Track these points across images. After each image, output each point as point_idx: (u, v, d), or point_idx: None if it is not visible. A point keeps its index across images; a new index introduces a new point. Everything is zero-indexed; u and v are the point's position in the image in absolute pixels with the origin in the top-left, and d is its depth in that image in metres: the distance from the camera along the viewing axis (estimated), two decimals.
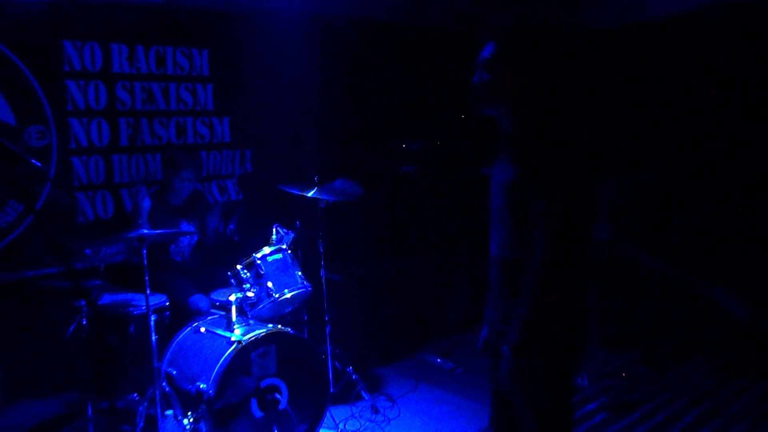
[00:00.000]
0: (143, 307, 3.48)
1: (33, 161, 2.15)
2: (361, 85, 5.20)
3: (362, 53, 5.22)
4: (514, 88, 2.11)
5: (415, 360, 4.84)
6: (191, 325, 3.61)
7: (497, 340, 2.16)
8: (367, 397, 3.96)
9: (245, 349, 3.27)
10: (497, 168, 2.20)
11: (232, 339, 3.31)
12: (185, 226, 4.08)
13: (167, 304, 3.74)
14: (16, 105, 3.92)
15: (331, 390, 3.87)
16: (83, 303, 3.36)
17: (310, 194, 3.88)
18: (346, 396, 3.98)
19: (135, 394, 3.62)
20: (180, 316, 3.81)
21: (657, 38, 5.27)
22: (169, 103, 4.49)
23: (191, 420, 3.19)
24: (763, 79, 4.70)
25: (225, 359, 3.22)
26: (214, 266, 4.18)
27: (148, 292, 3.23)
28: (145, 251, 3.23)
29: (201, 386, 3.20)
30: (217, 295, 3.97)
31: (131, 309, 3.63)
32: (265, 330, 3.38)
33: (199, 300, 3.89)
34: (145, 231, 3.30)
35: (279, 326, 3.52)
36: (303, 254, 4.17)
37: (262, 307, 3.61)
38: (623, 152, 5.19)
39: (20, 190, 3.99)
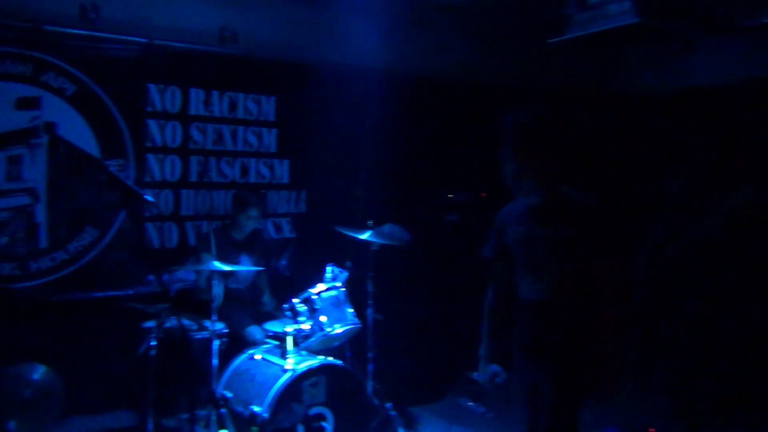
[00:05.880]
0: (205, 332, 3.76)
1: (145, 196, 2.45)
2: (413, 136, 5.49)
3: (415, 106, 5.50)
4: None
5: (449, 402, 5.00)
6: (247, 352, 3.87)
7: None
8: None
9: (298, 378, 3.51)
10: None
11: (287, 367, 3.55)
12: (245, 260, 4.37)
13: (226, 331, 4.00)
14: (102, 139, 4.32)
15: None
16: (153, 325, 3.64)
17: (363, 237, 4.14)
18: None
19: (189, 414, 3.83)
20: (235, 343, 4.07)
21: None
22: (236, 145, 4.85)
23: None
24: None
25: (279, 385, 3.47)
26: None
27: (214, 318, 3.51)
28: (214, 282, 3.52)
29: (255, 409, 3.44)
30: (270, 326, 4.22)
31: (194, 333, 3.90)
32: (318, 361, 3.62)
33: (255, 331, 4.16)
34: (218, 265, 3.59)
35: (330, 358, 3.75)
36: (350, 293, 4.40)
37: (314, 339, 3.85)
38: None
39: (97, 217, 4.36)
